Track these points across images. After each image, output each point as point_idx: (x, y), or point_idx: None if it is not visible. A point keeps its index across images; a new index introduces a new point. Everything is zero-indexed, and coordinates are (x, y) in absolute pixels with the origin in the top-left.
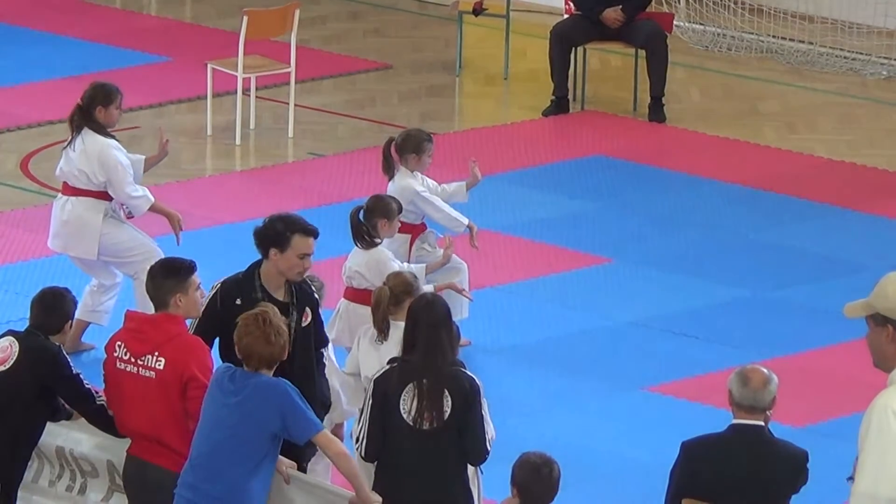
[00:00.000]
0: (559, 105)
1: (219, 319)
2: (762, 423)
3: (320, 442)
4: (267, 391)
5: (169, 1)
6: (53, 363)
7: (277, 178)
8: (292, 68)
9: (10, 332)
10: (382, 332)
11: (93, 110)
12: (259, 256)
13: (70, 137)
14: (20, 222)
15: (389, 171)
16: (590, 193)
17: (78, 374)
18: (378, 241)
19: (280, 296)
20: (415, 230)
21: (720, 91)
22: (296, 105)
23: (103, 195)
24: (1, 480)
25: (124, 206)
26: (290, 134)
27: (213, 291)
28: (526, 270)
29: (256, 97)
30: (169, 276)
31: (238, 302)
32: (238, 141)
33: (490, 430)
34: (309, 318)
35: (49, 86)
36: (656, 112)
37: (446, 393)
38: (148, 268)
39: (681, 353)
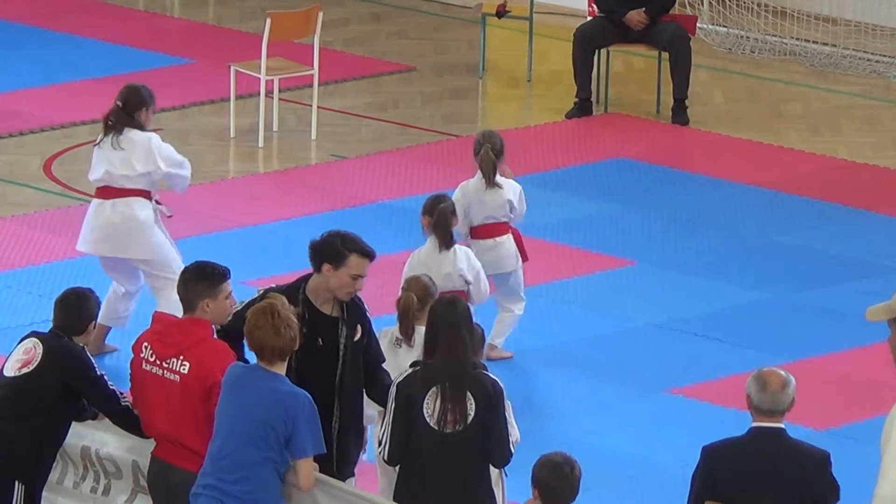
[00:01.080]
0: (582, 107)
1: None
2: (782, 426)
3: (300, 467)
4: (286, 399)
5: (192, 3)
6: (77, 364)
7: (300, 180)
8: (315, 70)
9: (34, 334)
10: (410, 337)
11: (135, 112)
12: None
13: (104, 139)
14: (43, 224)
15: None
16: (613, 196)
17: (102, 376)
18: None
19: (328, 310)
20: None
21: (743, 93)
22: (319, 107)
23: (147, 194)
24: (25, 482)
25: (162, 207)
26: (313, 136)
27: (254, 297)
28: (549, 273)
29: (279, 99)
30: (201, 279)
31: None
32: (261, 143)
33: (514, 433)
34: (360, 334)
35: (72, 88)
36: (679, 114)
37: (469, 396)
38: (169, 284)
39: (703, 355)
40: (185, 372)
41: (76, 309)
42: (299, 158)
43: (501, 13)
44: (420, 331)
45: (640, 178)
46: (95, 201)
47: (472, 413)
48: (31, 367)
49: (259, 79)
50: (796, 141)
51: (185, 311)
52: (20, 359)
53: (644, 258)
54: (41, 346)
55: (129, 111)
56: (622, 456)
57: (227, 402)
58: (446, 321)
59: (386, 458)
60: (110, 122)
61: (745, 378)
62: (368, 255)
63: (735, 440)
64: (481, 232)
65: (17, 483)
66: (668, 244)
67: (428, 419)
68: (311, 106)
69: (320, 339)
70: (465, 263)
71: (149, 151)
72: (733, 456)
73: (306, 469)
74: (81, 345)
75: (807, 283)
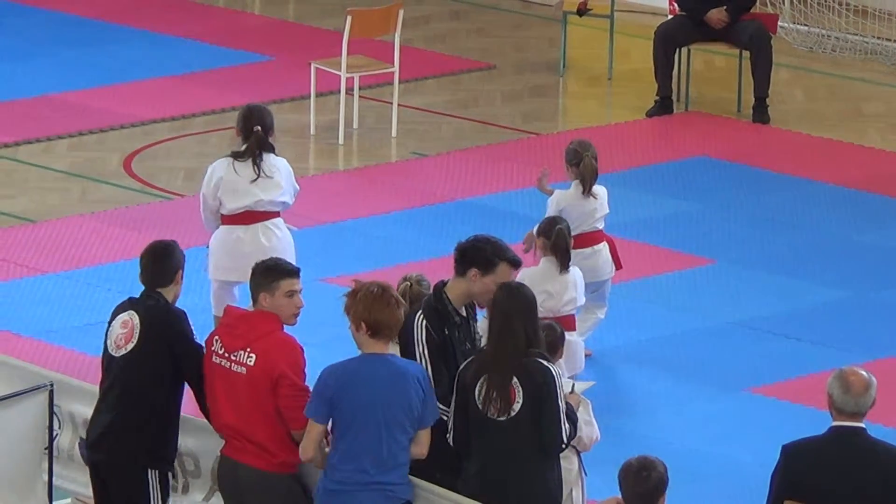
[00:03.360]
0: (663, 105)
1: (446, 347)
2: (862, 426)
3: (424, 437)
4: (419, 376)
5: (272, 0)
6: (174, 321)
7: (380, 177)
8: (396, 68)
9: (130, 303)
10: None
11: (270, 135)
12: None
13: (238, 164)
14: (123, 221)
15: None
16: (693, 194)
17: (192, 329)
18: None
19: (464, 312)
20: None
21: (824, 92)
22: (399, 105)
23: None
24: (159, 468)
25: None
26: (394, 134)
27: (422, 328)
28: (629, 271)
29: (360, 97)
30: (264, 273)
31: (446, 331)
32: (341, 140)
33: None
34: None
35: (152, 85)
36: (760, 113)
37: (517, 384)
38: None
39: (783, 354)
40: (252, 364)
41: (165, 255)
42: (379, 156)
43: (582, 11)
44: None
45: (720, 176)
46: (239, 228)
47: (518, 401)
48: (135, 340)
49: (339, 76)
50: (877, 140)
51: (252, 304)
52: (120, 333)
53: (724, 257)
54: (136, 315)
55: (266, 135)
56: (702, 454)
57: (364, 397)
58: (501, 309)
59: (452, 442)
60: (255, 147)
61: (825, 377)
62: (517, 264)
63: (815, 439)
64: (580, 241)
65: (149, 471)
66: (747, 243)
67: (480, 406)
68: (391, 103)
69: (467, 343)
70: (582, 288)
71: (289, 177)
72: (813, 455)
73: (429, 437)
74: (182, 310)
75: (887, 282)
